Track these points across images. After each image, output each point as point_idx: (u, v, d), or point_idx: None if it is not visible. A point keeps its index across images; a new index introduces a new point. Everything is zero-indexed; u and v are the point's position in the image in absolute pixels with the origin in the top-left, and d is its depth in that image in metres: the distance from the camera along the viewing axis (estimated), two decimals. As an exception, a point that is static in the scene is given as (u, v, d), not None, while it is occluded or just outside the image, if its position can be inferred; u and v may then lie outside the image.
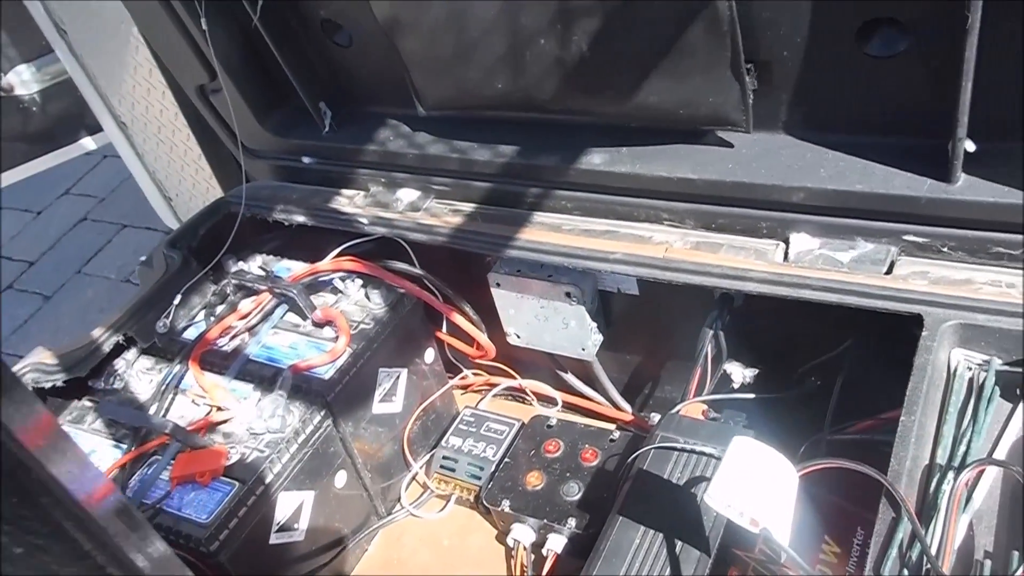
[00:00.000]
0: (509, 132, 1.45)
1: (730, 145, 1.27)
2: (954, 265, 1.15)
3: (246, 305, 1.55)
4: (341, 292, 1.55)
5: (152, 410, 1.41)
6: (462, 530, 1.57)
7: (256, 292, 1.56)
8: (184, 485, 1.29)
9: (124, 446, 1.38)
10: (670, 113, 1.24)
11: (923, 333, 1.07)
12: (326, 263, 1.55)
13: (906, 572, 0.87)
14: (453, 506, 1.60)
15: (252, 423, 1.35)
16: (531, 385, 1.74)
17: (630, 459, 1.27)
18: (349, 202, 1.63)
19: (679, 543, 1.11)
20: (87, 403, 1.49)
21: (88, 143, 2.57)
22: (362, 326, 1.49)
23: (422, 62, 1.37)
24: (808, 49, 1.12)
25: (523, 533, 1.44)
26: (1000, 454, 0.97)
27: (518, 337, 1.60)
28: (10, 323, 3.52)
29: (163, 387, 1.44)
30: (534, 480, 1.49)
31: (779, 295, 1.20)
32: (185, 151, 2.20)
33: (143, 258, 1.69)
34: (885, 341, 1.21)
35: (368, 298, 1.53)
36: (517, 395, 1.78)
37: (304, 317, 1.52)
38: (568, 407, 1.72)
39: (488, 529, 1.55)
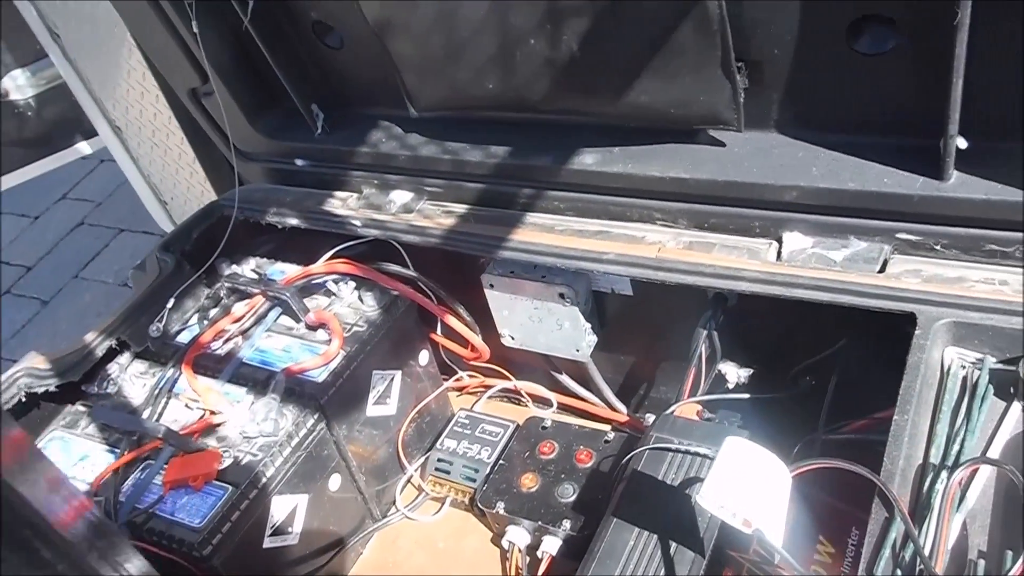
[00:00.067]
0: (501, 133, 1.44)
1: (722, 144, 1.27)
2: (947, 263, 1.14)
3: (239, 308, 1.54)
4: (334, 295, 1.55)
5: (145, 414, 1.41)
6: (457, 532, 1.57)
7: (249, 295, 1.55)
8: (177, 489, 1.28)
9: (118, 450, 1.37)
10: (662, 112, 1.23)
11: (916, 332, 1.06)
12: (319, 266, 1.55)
13: (899, 572, 0.87)
14: (448, 508, 1.59)
15: (245, 427, 1.35)
16: (526, 387, 1.73)
17: (624, 460, 1.26)
18: (342, 204, 1.63)
19: (673, 544, 1.11)
20: (80, 408, 1.48)
21: (83, 147, 2.57)
22: (355, 328, 1.49)
23: (413, 63, 1.37)
24: (798, 47, 1.12)
25: (518, 535, 1.43)
26: (994, 453, 0.97)
27: (512, 339, 1.59)
28: (8, 328, 3.52)
29: (156, 391, 1.44)
30: (529, 482, 1.48)
31: (772, 294, 1.19)
32: (179, 154, 2.20)
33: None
34: (880, 340, 1.20)
35: (361, 300, 1.53)
36: (512, 397, 1.77)
37: (297, 320, 1.51)
38: (563, 408, 1.72)
39: (483, 531, 1.55)
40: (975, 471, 0.94)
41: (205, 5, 1.42)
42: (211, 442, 1.34)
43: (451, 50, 1.30)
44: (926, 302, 1.09)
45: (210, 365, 1.46)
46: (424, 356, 1.64)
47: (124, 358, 1.53)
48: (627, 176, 1.32)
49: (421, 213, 1.55)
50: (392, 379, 1.55)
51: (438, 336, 1.66)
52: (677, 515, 1.13)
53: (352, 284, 1.54)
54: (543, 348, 1.58)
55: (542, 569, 1.40)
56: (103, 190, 4.17)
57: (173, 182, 2.29)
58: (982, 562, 0.87)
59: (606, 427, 1.61)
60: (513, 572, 1.44)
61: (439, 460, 1.59)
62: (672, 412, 1.31)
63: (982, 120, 1.05)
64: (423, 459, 1.63)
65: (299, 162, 1.68)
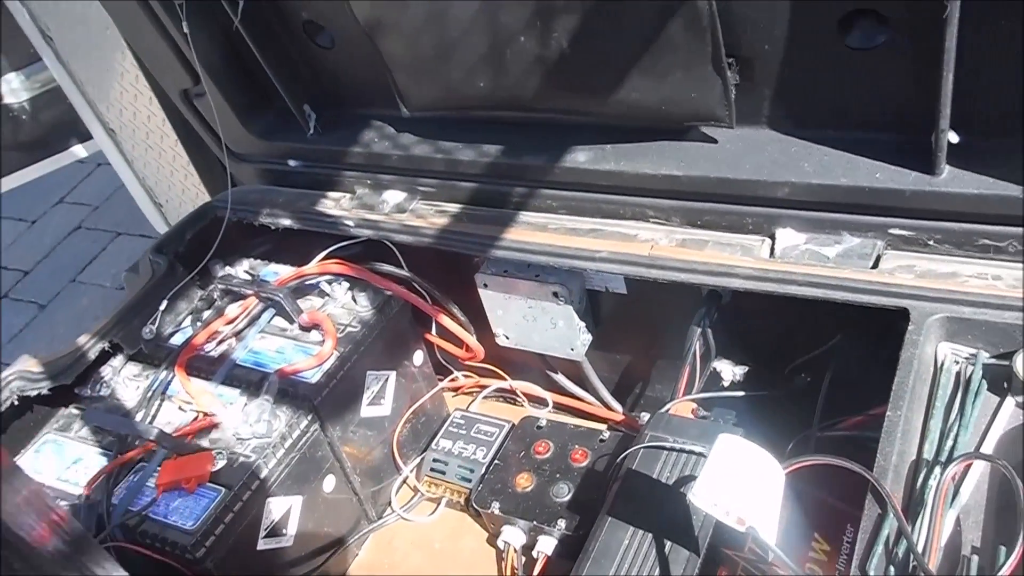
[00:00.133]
0: (494, 132, 1.44)
1: (714, 141, 1.26)
2: (940, 258, 1.14)
3: (233, 310, 1.54)
4: (328, 295, 1.54)
5: (138, 417, 1.40)
6: (453, 533, 1.56)
7: (243, 296, 1.55)
8: (170, 492, 1.28)
9: (111, 453, 1.37)
10: (653, 110, 1.23)
11: (909, 327, 1.06)
12: (312, 266, 1.55)
13: (892, 569, 0.86)
14: (444, 509, 1.59)
15: (238, 428, 1.34)
16: (521, 386, 1.73)
17: (619, 459, 1.26)
18: (335, 205, 1.62)
19: (668, 543, 1.11)
20: (74, 410, 1.48)
21: (79, 151, 2.57)
22: (349, 329, 1.48)
23: (404, 63, 1.36)
24: (789, 43, 1.11)
25: (513, 535, 1.43)
26: (987, 448, 0.96)
27: (507, 338, 1.59)
28: (5, 332, 3.52)
29: (149, 393, 1.43)
30: (524, 482, 1.48)
31: (765, 291, 1.19)
32: (174, 156, 2.20)
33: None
34: (876, 336, 1.20)
35: (355, 301, 1.53)
36: (508, 396, 1.77)
37: (291, 321, 1.51)
38: (559, 408, 1.71)
39: (479, 532, 1.54)
40: (968, 467, 0.94)
41: (195, 5, 1.42)
42: (204, 444, 1.34)
43: (442, 49, 1.30)
44: (919, 297, 1.09)
45: (203, 367, 1.46)
46: (419, 356, 1.64)
47: (117, 360, 1.53)
48: (619, 174, 1.32)
49: (414, 213, 1.54)
50: (386, 380, 1.55)
51: (433, 336, 1.65)
52: (672, 514, 1.12)
53: (346, 285, 1.54)
54: (538, 347, 1.57)
55: (538, 569, 1.40)
56: (100, 194, 4.17)
57: (168, 184, 2.29)
58: (975, 558, 0.86)
59: (602, 426, 1.61)
60: (509, 572, 1.44)
61: (434, 460, 1.59)
62: (667, 410, 1.31)
63: (973, 114, 1.05)
64: (418, 460, 1.63)
65: (292, 163, 1.67)
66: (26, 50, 2.21)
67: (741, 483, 0.96)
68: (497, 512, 1.45)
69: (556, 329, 1.51)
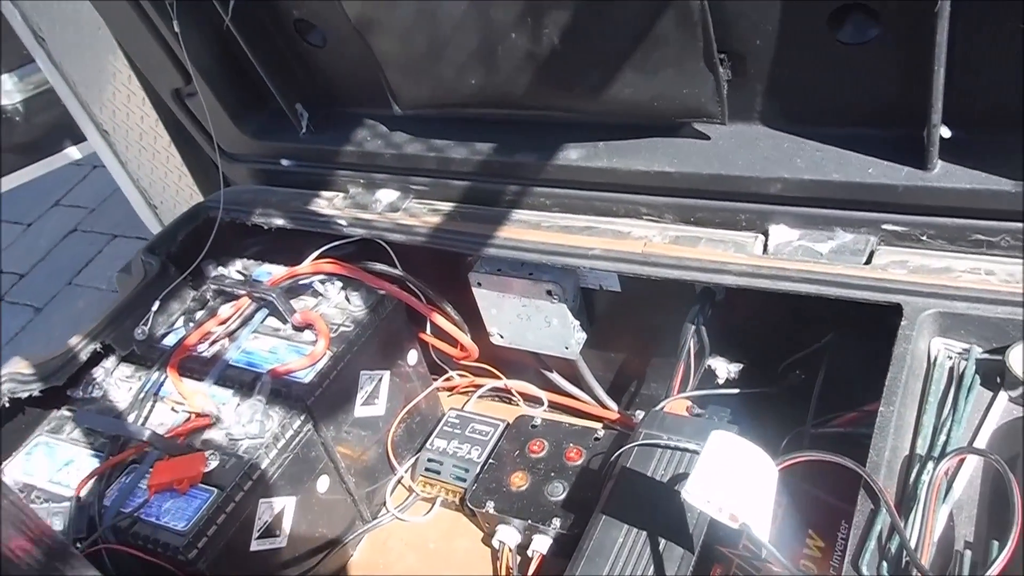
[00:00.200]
0: (486, 130, 1.44)
1: (706, 137, 1.26)
2: (933, 253, 1.13)
3: (226, 310, 1.53)
4: (321, 295, 1.54)
5: (131, 418, 1.39)
6: (448, 533, 1.56)
7: (236, 297, 1.54)
8: (162, 493, 1.27)
9: (103, 455, 1.36)
10: (645, 106, 1.22)
11: (902, 323, 1.06)
12: (305, 266, 1.54)
13: (885, 565, 0.86)
14: (439, 509, 1.58)
15: (231, 429, 1.34)
16: (517, 385, 1.73)
17: (613, 457, 1.25)
18: (328, 204, 1.62)
19: (663, 541, 1.10)
20: (66, 412, 1.47)
21: (73, 152, 2.56)
22: (342, 329, 1.48)
23: (396, 61, 1.36)
24: (781, 38, 1.11)
25: (508, 534, 1.42)
26: (980, 443, 0.96)
27: (501, 337, 1.58)
28: (2, 335, 3.51)
29: (142, 394, 1.42)
30: (519, 481, 1.47)
31: (758, 288, 1.18)
32: (168, 157, 2.19)
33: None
34: (869, 333, 1.20)
35: (348, 300, 1.52)
36: (503, 396, 1.76)
37: (284, 321, 1.50)
38: (554, 407, 1.71)
39: (474, 532, 1.54)
40: (961, 461, 0.93)
41: (186, 4, 1.41)
42: (197, 445, 1.33)
43: (433, 47, 1.29)
44: (912, 293, 1.08)
45: (196, 367, 1.45)
46: (413, 356, 1.63)
47: (109, 362, 1.52)
48: (612, 171, 1.31)
49: (407, 212, 1.54)
50: (380, 379, 1.54)
51: (427, 336, 1.65)
52: (666, 512, 1.12)
53: (339, 284, 1.53)
54: (532, 346, 1.57)
55: (532, 568, 1.39)
56: (96, 196, 4.16)
57: (162, 185, 2.29)
58: (968, 553, 0.86)
59: (597, 425, 1.61)
60: (504, 571, 1.43)
61: (429, 460, 1.58)
62: (661, 408, 1.31)
63: (965, 109, 1.05)
64: (413, 459, 1.62)
65: (285, 162, 1.67)
66: (19, 51, 2.20)
67: (734, 480, 0.96)
68: (492, 511, 1.44)
69: (550, 327, 1.51)
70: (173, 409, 1.41)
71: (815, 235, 1.20)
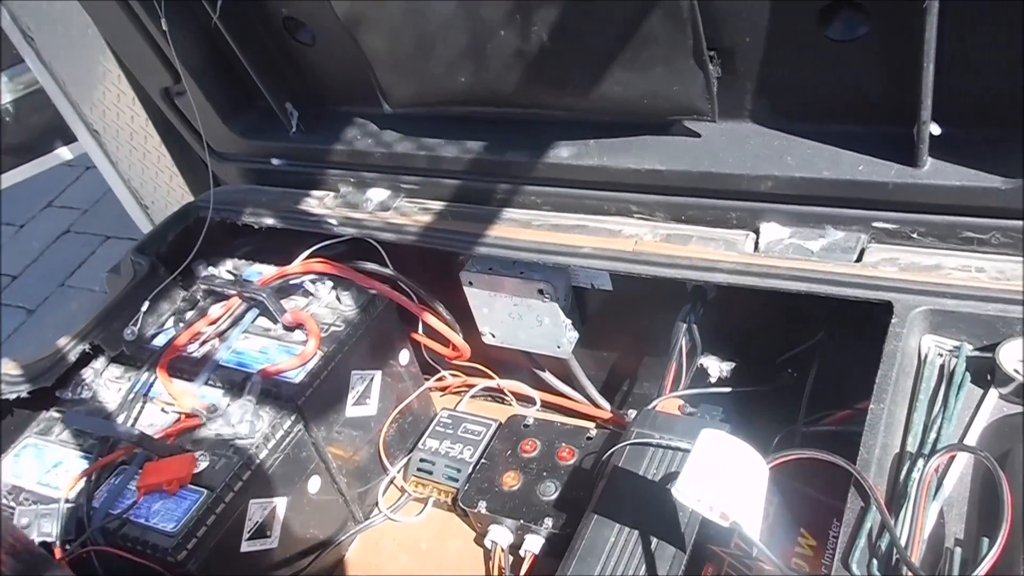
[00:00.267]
0: (476, 128, 1.43)
1: (697, 135, 1.26)
2: (924, 251, 1.13)
3: (216, 310, 1.53)
4: (312, 295, 1.53)
5: (120, 419, 1.39)
6: (440, 533, 1.55)
7: (226, 297, 1.54)
8: (152, 494, 1.26)
9: (92, 456, 1.35)
10: (635, 104, 1.22)
11: (893, 320, 1.05)
12: (295, 266, 1.53)
13: (875, 562, 0.86)
14: (431, 509, 1.58)
15: (221, 429, 1.33)
16: (509, 385, 1.72)
17: (605, 456, 1.25)
18: (319, 203, 1.61)
19: (654, 540, 1.10)
20: (54, 414, 1.46)
21: (64, 153, 2.55)
22: (333, 328, 1.47)
23: (385, 59, 1.35)
24: (771, 35, 1.11)
25: (500, 534, 1.42)
26: (971, 440, 0.95)
27: (493, 336, 1.58)
28: (-7, 337, 3.50)
29: (131, 395, 1.42)
30: (511, 480, 1.47)
31: (749, 286, 1.18)
32: (158, 157, 2.18)
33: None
34: (861, 331, 1.20)
35: (339, 300, 1.51)
36: (496, 395, 1.76)
37: (274, 321, 1.50)
38: (547, 406, 1.70)
39: (467, 532, 1.54)
40: (952, 459, 0.93)
41: (174, 3, 1.40)
42: (187, 446, 1.32)
43: (423, 45, 1.29)
44: (903, 290, 1.08)
45: (186, 368, 1.45)
46: (404, 356, 1.62)
47: (99, 362, 1.51)
48: (603, 169, 1.31)
49: (398, 211, 1.53)
50: (372, 379, 1.54)
51: (419, 335, 1.64)
52: (658, 511, 1.12)
53: (330, 284, 1.53)
54: (524, 345, 1.56)
55: (525, 568, 1.39)
56: (89, 197, 4.15)
57: (153, 185, 2.28)
58: (959, 550, 0.85)
59: (589, 424, 1.60)
60: (496, 571, 1.43)
61: (421, 460, 1.58)
62: (653, 407, 1.30)
63: (955, 106, 1.04)
64: (405, 460, 1.61)
65: (275, 161, 1.66)
66: (9, 51, 2.19)
67: (724, 478, 0.95)
68: (484, 511, 1.44)
69: (542, 327, 1.50)
70: (163, 410, 1.41)
71: (806, 233, 1.20)
